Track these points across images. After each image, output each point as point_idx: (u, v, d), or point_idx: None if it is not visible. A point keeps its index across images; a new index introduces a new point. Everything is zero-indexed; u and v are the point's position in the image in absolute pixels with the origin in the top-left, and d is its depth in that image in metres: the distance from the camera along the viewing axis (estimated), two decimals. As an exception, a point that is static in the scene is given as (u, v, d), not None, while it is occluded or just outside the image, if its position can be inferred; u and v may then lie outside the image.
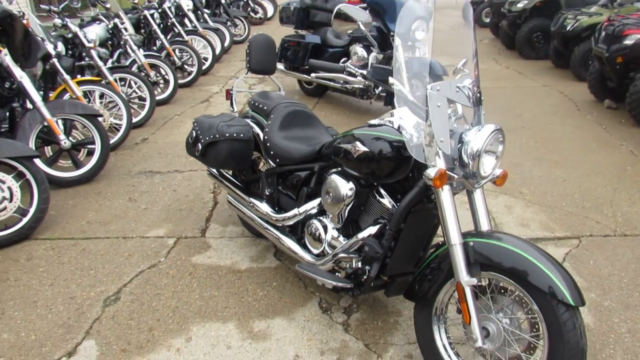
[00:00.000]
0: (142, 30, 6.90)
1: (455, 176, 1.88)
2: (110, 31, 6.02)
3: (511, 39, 8.09)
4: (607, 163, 4.16)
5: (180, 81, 6.81)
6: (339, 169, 2.36)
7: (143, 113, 5.45)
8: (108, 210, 3.65)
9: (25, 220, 3.26)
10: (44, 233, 3.35)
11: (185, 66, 7.03)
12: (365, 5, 5.20)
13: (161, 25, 7.27)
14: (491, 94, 6.21)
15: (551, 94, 6.12)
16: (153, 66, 6.11)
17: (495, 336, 1.92)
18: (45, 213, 3.35)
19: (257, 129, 2.88)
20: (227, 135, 2.76)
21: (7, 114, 3.99)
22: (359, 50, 5.47)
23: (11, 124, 3.98)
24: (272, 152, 2.71)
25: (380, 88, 5.27)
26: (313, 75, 4.55)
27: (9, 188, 3.21)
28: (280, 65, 6.13)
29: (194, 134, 2.93)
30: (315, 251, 2.48)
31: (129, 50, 5.92)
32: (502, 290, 1.95)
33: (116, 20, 5.91)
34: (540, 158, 4.29)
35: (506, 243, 1.85)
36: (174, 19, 7.33)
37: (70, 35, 5.20)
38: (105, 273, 2.91)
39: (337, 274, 2.33)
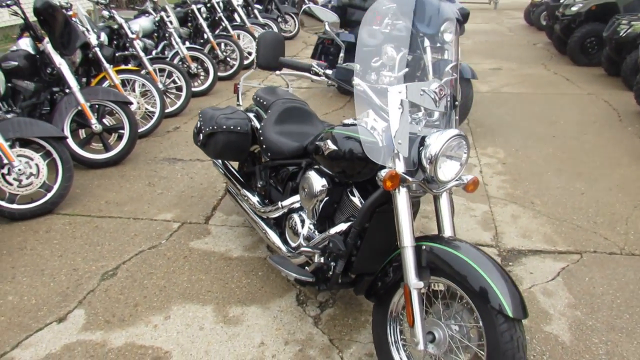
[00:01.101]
0: (189, 24, 7.20)
1: (410, 179, 1.89)
2: (157, 24, 6.33)
3: (564, 43, 7.73)
4: (635, 178, 3.93)
5: (222, 74, 7.06)
6: (318, 166, 2.42)
7: (179, 103, 5.71)
8: (127, 192, 3.89)
9: (49, 195, 3.55)
10: (65, 209, 3.62)
11: (229, 60, 7.27)
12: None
13: (209, 20, 7.54)
14: (529, 100, 6.00)
15: (595, 103, 5.83)
16: (195, 59, 6.36)
17: (441, 342, 1.91)
18: (67, 190, 3.63)
19: (256, 123, 2.98)
20: (224, 127, 2.88)
21: (48, 97, 4.34)
22: (389, 50, 5.44)
23: (51, 107, 4.32)
24: (264, 146, 2.80)
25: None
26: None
27: (37, 165, 3.50)
28: (315, 63, 6.21)
29: (198, 125, 3.07)
30: (293, 244, 2.55)
31: (173, 43, 6.21)
32: (456, 298, 1.94)
33: (162, 13, 6.21)
34: (563, 169, 4.12)
35: (458, 251, 1.84)
36: (221, 14, 7.58)
37: (116, 27, 5.53)
38: (110, 250, 3.12)
39: (306, 267, 2.38)
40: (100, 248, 3.14)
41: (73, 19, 4.73)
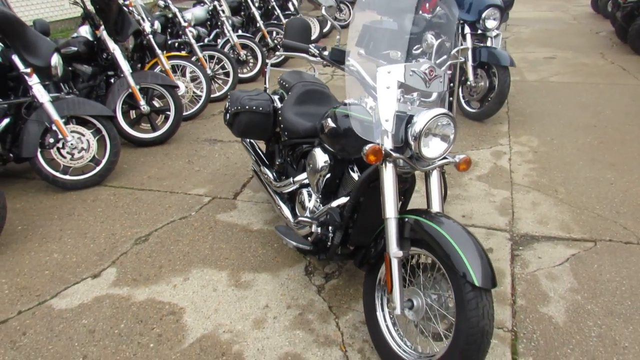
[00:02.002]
0: (242, 13, 7.49)
1: (394, 154, 1.99)
2: (210, 13, 6.66)
3: (625, 31, 7.34)
4: (674, 171, 3.78)
5: (272, 61, 7.30)
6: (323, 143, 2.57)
7: (225, 88, 6.01)
8: (168, 168, 4.21)
9: (97, 169, 3.92)
10: (111, 181, 3.99)
11: (279, 47, 7.50)
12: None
13: (262, 9, 7.81)
14: (577, 89, 5.80)
15: (649, 94, 5.55)
16: (245, 46, 6.65)
17: (419, 309, 2.03)
18: (114, 165, 3.99)
19: (279, 104, 3.16)
20: (247, 107, 3.09)
21: (104, 80, 4.74)
22: (428, 37, 5.45)
23: (107, 89, 4.72)
24: (282, 125, 2.98)
25: (447, 76, 5.25)
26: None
27: (87, 141, 3.88)
28: (361, 50, 6.32)
29: (227, 105, 3.30)
30: (300, 217, 2.73)
31: (225, 31, 6.51)
32: (435, 269, 2.04)
33: (215, 3, 6.53)
34: (597, 159, 4.02)
35: (438, 225, 1.94)
36: (274, 3, 7.82)
37: (170, 15, 5.90)
38: (145, 219, 3.43)
39: (308, 238, 2.55)
40: (137, 217, 3.46)
41: (129, 7, 5.12)
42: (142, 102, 4.55)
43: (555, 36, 8.80)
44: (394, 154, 2.00)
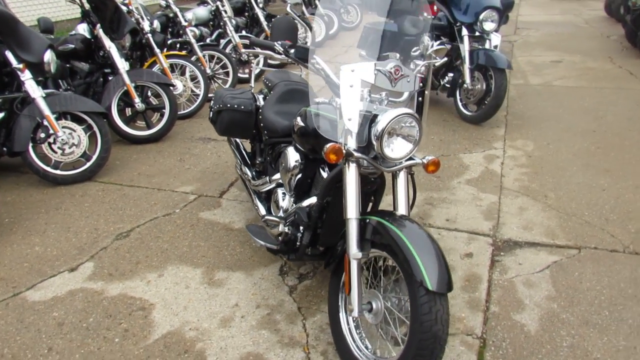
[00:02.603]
0: (246, 13, 7.51)
1: (355, 154, 1.96)
2: (213, 13, 6.69)
3: (635, 35, 7.19)
4: (671, 178, 3.68)
5: (273, 62, 7.31)
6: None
7: (224, 87, 6.02)
8: (159, 166, 4.23)
9: (88, 164, 3.96)
10: (101, 177, 4.02)
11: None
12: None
13: (266, 9, 7.83)
14: (580, 94, 5.68)
15: (655, 100, 5.42)
16: (247, 46, 6.66)
17: (378, 312, 1.99)
18: (105, 161, 4.02)
19: (261, 103, 3.15)
20: (228, 105, 3.08)
21: (101, 78, 4.78)
22: (425, 39, 5.41)
23: (104, 86, 4.76)
24: (262, 124, 2.97)
25: (446, 79, 5.20)
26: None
27: (78, 136, 3.92)
28: (362, 52, 6.29)
29: (211, 103, 3.30)
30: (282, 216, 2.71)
31: (227, 31, 6.54)
32: (397, 272, 2.00)
33: (218, 3, 6.55)
34: (592, 164, 3.93)
35: (398, 227, 1.89)
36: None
37: (172, 15, 5.94)
38: (130, 215, 3.44)
39: (279, 237, 2.53)
40: (122, 213, 3.47)
41: (129, 6, 5.17)
42: (137, 99, 4.58)
43: (565, 40, 8.65)
44: (356, 154, 1.97)
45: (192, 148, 4.59)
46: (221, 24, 6.66)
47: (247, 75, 6.68)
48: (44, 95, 3.76)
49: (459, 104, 5.03)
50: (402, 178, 2.12)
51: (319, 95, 2.33)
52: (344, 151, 1.95)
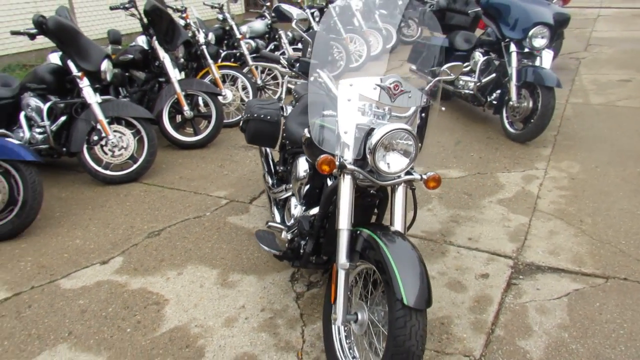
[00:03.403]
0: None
1: (349, 166, 2.00)
2: (269, 26, 6.94)
3: None
4: None
5: (351, 65, 7.52)
6: (310, 153, 2.61)
7: (275, 97, 6.21)
8: (200, 170, 4.45)
9: (135, 166, 4.24)
10: (146, 179, 4.29)
11: (336, 60, 7.63)
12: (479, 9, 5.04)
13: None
14: (627, 113, 5.33)
15: None
16: (257, 58, 6.83)
17: (363, 323, 2.01)
18: (150, 164, 4.29)
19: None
20: (255, 115, 3.21)
21: (156, 86, 5.11)
22: (476, 55, 5.33)
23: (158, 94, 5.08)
24: (284, 134, 3.07)
25: (493, 95, 5.07)
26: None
27: (127, 140, 4.21)
28: (413, 66, 6.28)
29: (243, 112, 3.45)
30: (288, 224, 2.78)
31: (282, 43, 6.75)
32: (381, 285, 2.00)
33: (307, 11, 6.80)
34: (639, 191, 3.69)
35: (385, 241, 1.90)
36: (336, 18, 7.97)
37: (227, 28, 6.23)
38: (164, 215, 3.65)
39: (287, 244, 2.59)
40: (158, 213, 3.69)
41: (186, 20, 5.50)
42: (185, 107, 4.85)
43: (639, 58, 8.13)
44: (349, 166, 2.01)
45: (234, 155, 4.78)
46: (276, 36, 6.89)
47: (299, 87, 6.84)
48: (99, 101, 4.09)
49: (505, 121, 4.89)
50: (400, 193, 2.13)
51: (327, 108, 2.38)
52: (336, 163, 1.99)
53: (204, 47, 5.39)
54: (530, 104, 4.59)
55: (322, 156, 1.97)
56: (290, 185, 2.88)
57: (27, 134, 4.16)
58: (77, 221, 3.61)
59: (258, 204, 3.78)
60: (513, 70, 4.68)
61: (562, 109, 5.58)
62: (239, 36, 6.02)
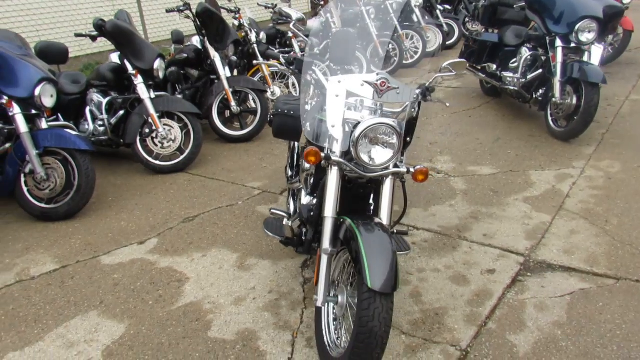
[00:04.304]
0: (358, 25, 7.82)
1: (334, 158, 2.13)
2: (323, 24, 7.12)
3: None
4: None
5: (405, 62, 7.66)
6: (317, 145, 2.76)
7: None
8: (241, 163, 4.73)
9: (181, 157, 4.60)
10: (192, 169, 4.63)
11: (391, 56, 7.69)
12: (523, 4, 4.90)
13: (382, 20, 8.08)
14: None
15: None
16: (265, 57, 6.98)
17: (342, 306, 2.15)
18: (195, 155, 4.63)
19: (313, 110, 3.42)
20: (279, 110, 3.40)
21: (209, 83, 5.46)
22: (522, 50, 5.19)
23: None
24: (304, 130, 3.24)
25: (539, 92, 4.93)
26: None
27: (175, 133, 4.58)
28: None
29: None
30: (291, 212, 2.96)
31: (294, 43, 6.92)
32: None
33: (328, 15, 6.97)
34: (681, 193, 3.49)
35: (361, 230, 2.01)
36: (392, 14, 8.01)
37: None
38: (201, 203, 3.96)
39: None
40: (196, 201, 4.00)
41: (240, 20, 5.82)
42: (233, 103, 5.15)
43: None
44: (334, 158, 2.15)
45: (275, 149, 5.02)
46: (329, 35, 7.06)
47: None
48: (152, 97, 4.48)
49: (549, 119, 4.74)
50: (387, 185, 2.23)
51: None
52: (322, 154, 2.14)
53: (255, 46, 5.68)
54: (574, 101, 4.44)
55: (308, 148, 2.13)
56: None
57: (91, 126, 4.65)
58: (125, 205, 4.01)
59: (287, 194, 3.98)
60: (558, 65, 4.54)
61: (619, 106, 5.31)
62: (290, 35, 6.26)
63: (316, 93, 3.50)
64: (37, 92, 3.71)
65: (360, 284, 1.90)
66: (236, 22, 5.90)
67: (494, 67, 5.53)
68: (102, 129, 4.62)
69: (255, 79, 5.67)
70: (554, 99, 4.55)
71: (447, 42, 9.07)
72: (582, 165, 4.07)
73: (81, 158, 3.78)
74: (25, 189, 3.80)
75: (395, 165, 2.20)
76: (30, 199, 3.80)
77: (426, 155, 4.55)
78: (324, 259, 2.13)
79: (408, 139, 2.30)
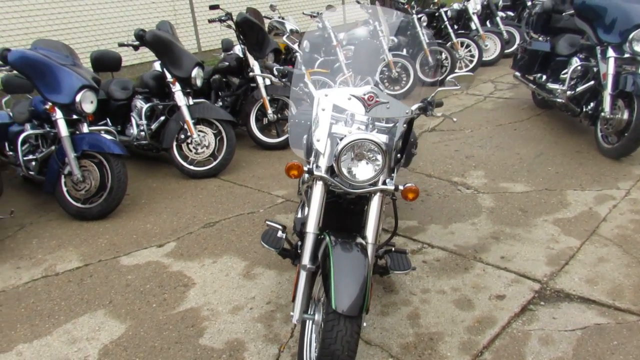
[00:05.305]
0: (434, 24, 7.81)
1: (317, 173, 2.09)
2: (371, 33, 7.06)
3: None
4: None
5: (458, 71, 7.55)
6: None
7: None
8: (272, 170, 4.77)
9: (214, 163, 4.71)
10: (224, 175, 4.73)
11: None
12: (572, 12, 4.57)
13: (461, 20, 8.15)
14: None
15: None
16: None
17: (317, 323, 2.09)
18: (228, 162, 4.72)
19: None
20: (297, 120, 3.40)
21: (249, 90, 5.57)
22: (573, 61, 4.86)
23: (249, 98, 5.54)
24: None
25: (590, 105, 4.60)
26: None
27: (209, 139, 4.70)
28: (517, 73, 5.94)
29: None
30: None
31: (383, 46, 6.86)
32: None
33: (376, 24, 6.91)
34: None
35: (337, 248, 1.98)
36: (471, 14, 7.97)
37: (326, 35, 6.50)
38: (224, 209, 4.03)
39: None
40: (220, 206, 4.08)
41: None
42: (269, 110, 5.22)
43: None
44: (316, 172, 2.10)
45: (308, 157, 5.02)
46: (376, 42, 6.98)
47: (397, 92, 6.87)
48: (189, 104, 4.63)
49: (599, 134, 4.40)
50: (374, 202, 2.17)
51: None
52: (305, 168, 2.10)
53: (297, 54, 5.72)
54: (626, 116, 4.09)
55: (289, 162, 2.10)
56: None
57: (135, 131, 4.88)
58: (155, 208, 4.16)
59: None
60: (609, 77, 4.21)
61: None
62: (334, 43, 6.25)
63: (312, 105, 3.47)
64: (77, 98, 3.94)
65: (327, 304, 1.84)
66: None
67: (544, 77, 5.22)
68: (143, 133, 4.84)
69: (297, 87, 5.72)
70: (603, 114, 4.22)
71: (506, 51, 8.69)
72: (628, 187, 3.73)
73: (114, 162, 3.97)
74: (64, 189, 4.05)
75: (384, 182, 2.12)
76: (68, 198, 4.04)
77: (459, 169, 4.36)
78: (302, 275, 2.09)
79: (398, 155, 2.20)
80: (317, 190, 2.14)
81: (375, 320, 2.57)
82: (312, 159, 2.21)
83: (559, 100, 4.82)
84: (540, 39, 5.83)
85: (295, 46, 2.80)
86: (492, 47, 8.45)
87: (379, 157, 2.05)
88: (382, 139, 2.13)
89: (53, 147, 4.15)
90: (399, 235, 3.38)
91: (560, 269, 2.86)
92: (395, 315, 2.60)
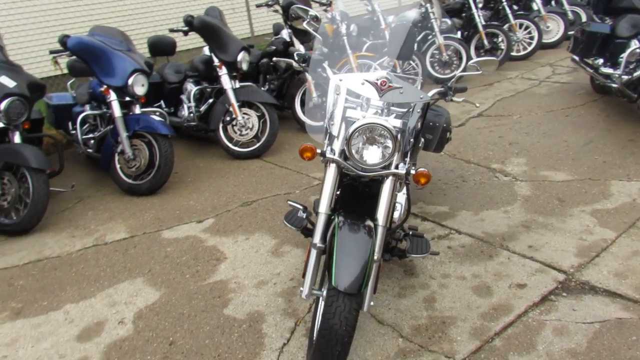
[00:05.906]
0: (491, 5, 7.55)
1: (330, 156, 2.16)
2: (422, 15, 6.93)
3: None
4: None
5: (515, 54, 7.35)
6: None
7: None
8: (313, 153, 4.86)
9: (257, 145, 4.87)
10: (267, 156, 4.88)
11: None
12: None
13: (492, 9, 7.68)
14: None
15: None
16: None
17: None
18: (270, 143, 4.87)
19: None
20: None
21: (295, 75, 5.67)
22: (631, 44, 4.58)
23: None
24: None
25: None
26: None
27: (253, 121, 4.86)
28: (575, 57, 5.66)
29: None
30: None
31: (435, 31, 6.72)
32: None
33: (427, 5, 6.77)
34: None
35: (344, 229, 2.07)
36: (505, 3, 7.54)
37: (375, 19, 6.47)
38: (263, 189, 4.18)
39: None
40: (259, 186, 4.24)
41: (331, 12, 5.92)
42: (314, 94, 5.29)
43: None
44: (329, 155, 2.17)
45: (349, 141, 5.07)
46: (428, 25, 6.85)
47: (447, 76, 6.73)
48: (234, 87, 4.80)
49: (656, 123, 4.15)
50: (386, 185, 2.21)
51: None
52: (318, 151, 2.18)
53: (345, 38, 5.75)
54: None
55: (302, 144, 2.18)
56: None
57: (186, 113, 5.13)
58: (199, 186, 4.38)
59: (343, 187, 4.03)
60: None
61: None
62: (382, 26, 6.21)
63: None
64: (130, 81, 4.20)
65: (328, 281, 1.93)
66: (329, 15, 6.01)
67: (601, 61, 4.95)
68: (192, 115, 5.07)
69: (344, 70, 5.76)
70: (659, 101, 3.98)
71: (569, 32, 8.23)
72: (677, 178, 3.52)
73: (162, 142, 4.21)
74: (117, 166, 4.35)
75: (397, 167, 2.16)
76: (121, 174, 4.34)
77: (500, 156, 4.26)
78: (313, 253, 2.18)
79: (412, 140, 2.22)
80: (330, 173, 2.22)
81: (391, 302, 2.62)
82: (326, 141, 2.28)
83: (614, 85, 4.57)
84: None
85: (316, 32, 2.85)
86: (555, 29, 8.03)
87: (389, 142, 2.08)
88: (395, 123, 2.16)
89: (109, 127, 4.46)
90: (427, 220, 3.39)
91: (589, 260, 2.77)
92: (412, 297, 2.64)
